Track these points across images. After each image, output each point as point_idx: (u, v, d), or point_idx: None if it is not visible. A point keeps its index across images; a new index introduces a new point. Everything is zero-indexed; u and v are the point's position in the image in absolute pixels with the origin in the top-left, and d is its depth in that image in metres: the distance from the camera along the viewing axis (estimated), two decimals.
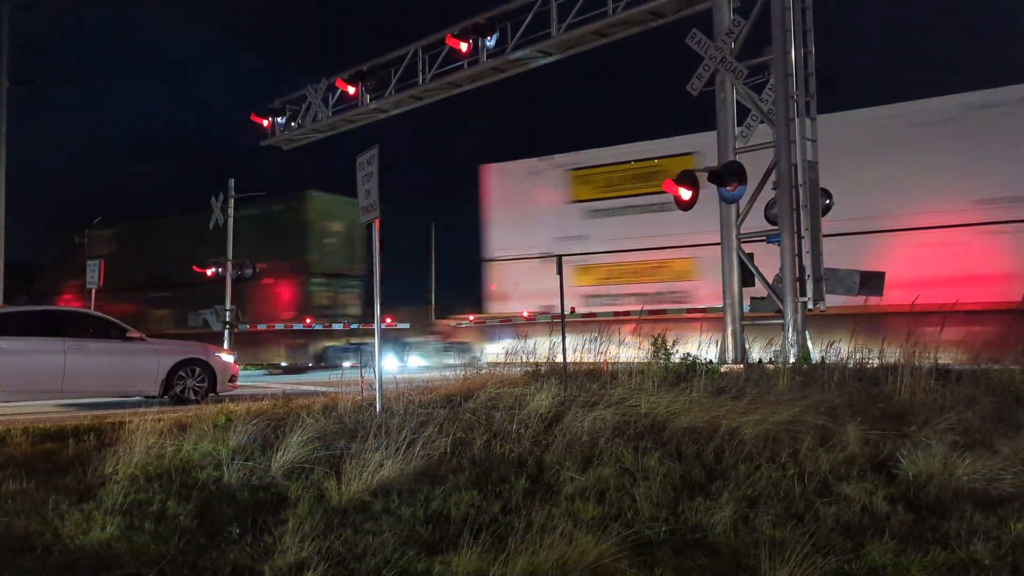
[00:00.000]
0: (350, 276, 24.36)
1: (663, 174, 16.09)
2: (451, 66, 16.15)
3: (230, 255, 21.21)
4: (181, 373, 12.02)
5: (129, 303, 26.54)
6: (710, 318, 13.93)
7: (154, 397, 11.73)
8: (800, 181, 10.46)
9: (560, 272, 10.68)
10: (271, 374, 22.62)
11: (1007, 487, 4.74)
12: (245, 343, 23.36)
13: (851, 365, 8.58)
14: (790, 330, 10.39)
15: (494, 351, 13.46)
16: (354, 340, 22.79)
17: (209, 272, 21.44)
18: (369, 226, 8.58)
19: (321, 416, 7.20)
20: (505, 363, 10.99)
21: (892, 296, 10.99)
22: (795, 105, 10.64)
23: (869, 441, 5.68)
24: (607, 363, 10.28)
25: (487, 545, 3.83)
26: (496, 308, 20.82)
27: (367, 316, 24.53)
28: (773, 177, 10.93)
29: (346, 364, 19.67)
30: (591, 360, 10.61)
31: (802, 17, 10.69)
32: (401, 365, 21.15)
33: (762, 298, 11.23)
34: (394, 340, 22.80)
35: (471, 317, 21.23)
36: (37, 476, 5.61)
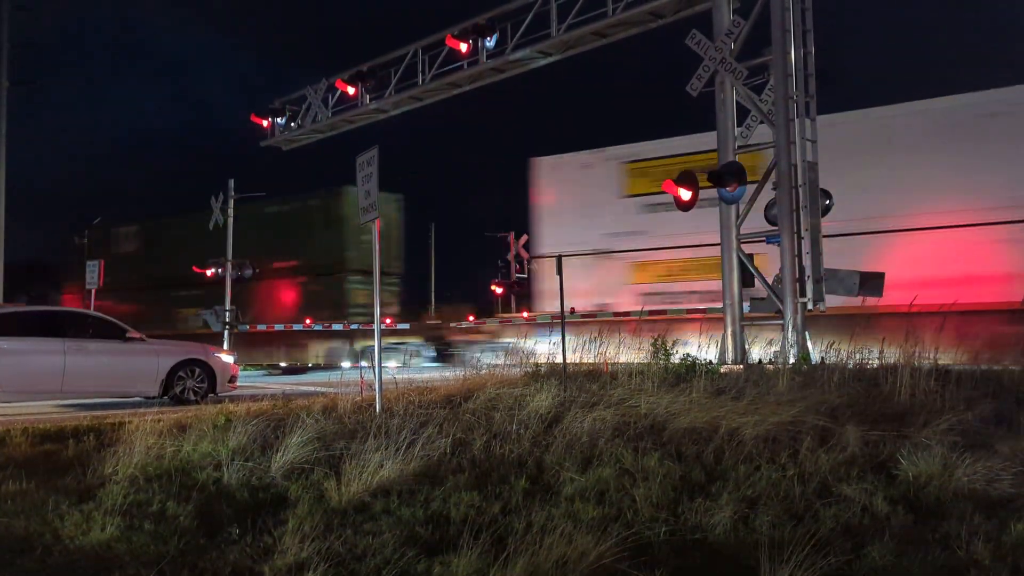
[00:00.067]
0: (387, 273, 23.91)
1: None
2: (451, 66, 16.16)
3: (230, 255, 21.21)
4: (181, 374, 12.02)
5: (152, 302, 26.45)
6: (710, 319, 13.89)
7: (154, 397, 11.73)
8: (800, 182, 10.47)
9: (560, 272, 10.68)
10: (270, 374, 22.62)
11: (1007, 488, 4.74)
12: (279, 342, 23.23)
13: (851, 366, 8.58)
14: (790, 331, 10.40)
15: (544, 350, 12.87)
16: (394, 339, 22.51)
17: (208, 273, 21.45)
18: (368, 225, 8.57)
19: (321, 417, 7.20)
20: (504, 363, 10.97)
21: (892, 296, 10.99)
22: (795, 106, 10.65)
23: (869, 442, 5.68)
24: (607, 363, 10.28)
25: (487, 546, 3.83)
26: (546, 306, 19.81)
27: (404, 314, 24.39)
28: (773, 177, 10.93)
29: (345, 364, 19.61)
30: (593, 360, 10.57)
31: (802, 18, 10.69)
32: (439, 366, 20.70)
33: (762, 299, 11.24)
34: (437, 340, 22.46)
35: (525, 314, 20.60)
36: (37, 477, 5.61)
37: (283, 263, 24.08)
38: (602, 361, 10.47)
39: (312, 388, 12.98)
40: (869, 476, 5.01)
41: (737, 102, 11.45)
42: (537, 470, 5.42)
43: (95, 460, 5.99)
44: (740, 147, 11.49)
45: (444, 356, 22.47)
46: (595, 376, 8.99)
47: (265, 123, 20.34)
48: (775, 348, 10.68)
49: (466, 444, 6.07)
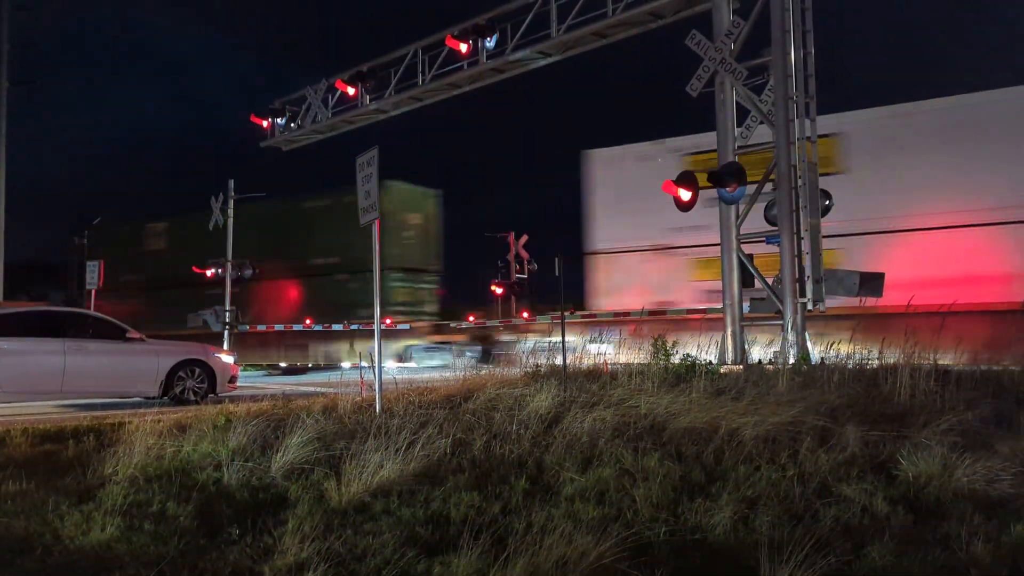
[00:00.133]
0: (426, 271, 23.71)
1: None
2: (451, 67, 16.16)
3: (229, 255, 21.19)
4: (181, 374, 12.02)
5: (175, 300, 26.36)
6: (710, 319, 13.86)
7: (154, 398, 11.72)
8: (799, 182, 10.48)
9: (560, 272, 10.68)
10: (270, 375, 22.61)
11: (1007, 488, 4.74)
12: (316, 340, 22.80)
13: (851, 366, 8.58)
14: (790, 331, 10.40)
15: (596, 348, 12.44)
16: (438, 339, 22.15)
17: (209, 273, 21.43)
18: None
19: (321, 417, 7.20)
20: (504, 364, 10.97)
21: (891, 297, 10.98)
22: (795, 106, 10.65)
23: (869, 442, 5.68)
24: (606, 364, 10.27)
25: (487, 546, 3.83)
26: (601, 304, 19.19)
27: (442, 314, 24.01)
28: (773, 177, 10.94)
29: (345, 365, 19.57)
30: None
31: (801, 19, 10.69)
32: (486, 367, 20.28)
33: (762, 299, 11.24)
34: (483, 339, 22.05)
35: (525, 315, 20.14)
36: (37, 477, 5.61)
37: (321, 260, 23.49)
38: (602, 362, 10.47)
39: (312, 388, 12.97)
40: (869, 476, 5.01)
41: (737, 102, 11.46)
42: (537, 470, 5.42)
43: (95, 460, 5.99)
44: (740, 148, 11.49)
45: (489, 355, 22.15)
46: (595, 376, 8.99)
47: (265, 123, 20.35)
48: (775, 348, 10.68)
49: (466, 444, 6.07)
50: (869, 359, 8.84)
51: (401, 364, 21.39)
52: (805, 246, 10.41)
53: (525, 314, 20.18)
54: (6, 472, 5.67)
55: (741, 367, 9.84)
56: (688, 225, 16.54)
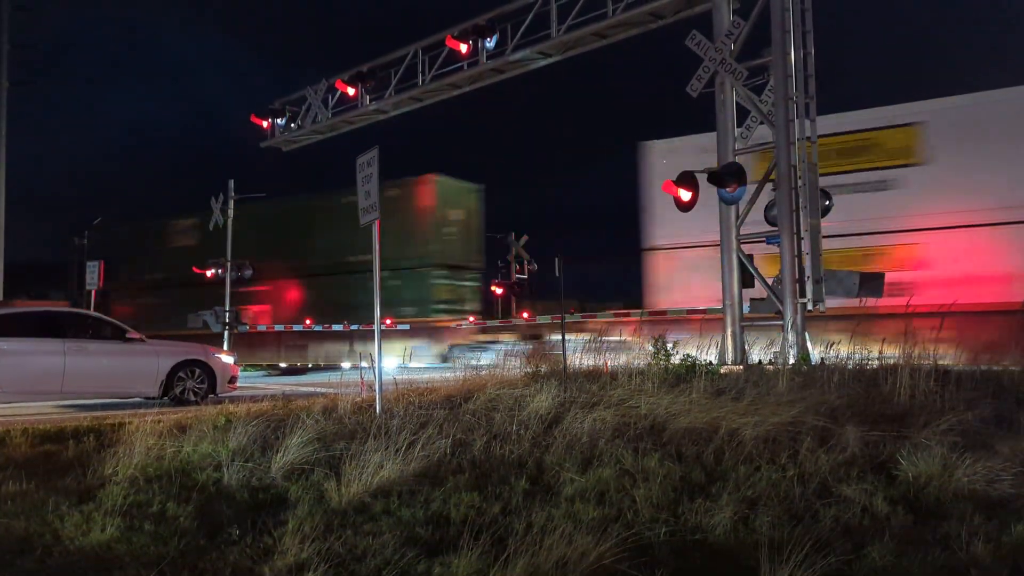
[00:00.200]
0: (468, 268, 23.18)
1: (876, 148, 14.86)
2: (451, 67, 16.16)
3: (229, 255, 21.20)
4: (181, 374, 12.02)
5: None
6: (709, 319, 13.84)
7: (154, 398, 11.72)
8: (800, 183, 10.48)
9: (560, 272, 10.69)
10: (270, 375, 22.61)
11: (1007, 488, 4.74)
12: (357, 340, 21.91)
13: (851, 366, 8.58)
14: (790, 331, 10.40)
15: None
16: (482, 338, 21.64)
17: (208, 273, 21.44)
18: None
19: (321, 417, 7.20)
20: (503, 364, 10.96)
21: (891, 297, 10.98)
22: (795, 106, 10.66)
23: (869, 442, 5.68)
24: (607, 364, 10.28)
25: (487, 547, 3.83)
26: (662, 303, 18.40)
27: (483, 311, 23.59)
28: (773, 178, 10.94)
29: (345, 365, 19.56)
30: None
31: (802, 19, 10.70)
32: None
33: (762, 299, 11.24)
34: (534, 337, 21.01)
35: (524, 315, 19.74)
36: (37, 477, 5.60)
37: (355, 258, 22.58)
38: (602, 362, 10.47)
39: (312, 389, 12.97)
40: (869, 476, 5.00)
41: (737, 103, 11.47)
42: (537, 471, 5.42)
43: (95, 461, 5.99)
44: (739, 148, 11.49)
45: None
46: (595, 376, 8.99)
47: (265, 124, 20.34)
48: (775, 349, 10.68)
49: (466, 445, 6.07)
50: (869, 359, 8.84)
51: (445, 365, 20.76)
52: (805, 246, 10.42)
53: (525, 314, 20.18)
54: (6, 472, 5.67)
55: (741, 367, 9.84)
56: (754, 219, 15.98)
